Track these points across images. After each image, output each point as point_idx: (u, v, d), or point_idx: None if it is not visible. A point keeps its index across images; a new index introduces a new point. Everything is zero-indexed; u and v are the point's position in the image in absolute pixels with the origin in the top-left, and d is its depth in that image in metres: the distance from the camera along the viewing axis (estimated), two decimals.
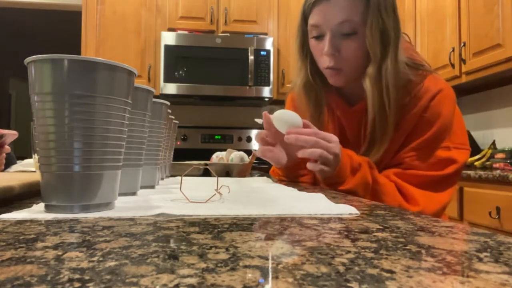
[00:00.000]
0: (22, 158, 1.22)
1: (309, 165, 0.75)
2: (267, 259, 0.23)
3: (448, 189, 0.81)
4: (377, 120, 0.81)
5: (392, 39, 0.80)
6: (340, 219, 0.38)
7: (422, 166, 0.80)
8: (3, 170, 0.96)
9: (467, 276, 0.20)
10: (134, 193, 0.55)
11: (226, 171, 1.10)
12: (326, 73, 0.87)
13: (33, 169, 0.96)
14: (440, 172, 0.80)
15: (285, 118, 0.75)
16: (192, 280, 0.19)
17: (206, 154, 1.72)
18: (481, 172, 1.72)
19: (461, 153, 0.81)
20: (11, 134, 0.90)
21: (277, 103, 2.96)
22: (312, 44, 0.87)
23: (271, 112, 0.80)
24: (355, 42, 0.81)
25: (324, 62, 0.84)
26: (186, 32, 2.83)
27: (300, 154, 0.73)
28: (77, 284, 0.18)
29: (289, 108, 1.01)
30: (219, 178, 0.90)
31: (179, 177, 1.01)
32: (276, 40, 2.95)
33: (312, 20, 0.84)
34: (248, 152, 1.19)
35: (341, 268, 0.21)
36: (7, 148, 0.93)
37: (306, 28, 0.88)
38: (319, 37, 0.84)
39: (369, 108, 0.82)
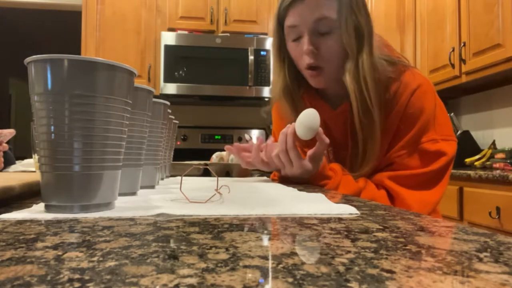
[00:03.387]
0: (22, 158, 1.22)
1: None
2: (267, 259, 0.23)
3: (440, 183, 0.82)
4: (362, 117, 0.82)
5: (366, 34, 0.82)
6: (340, 219, 0.38)
7: (413, 164, 0.81)
8: (2, 170, 0.96)
9: (467, 276, 0.20)
10: (134, 193, 0.55)
11: (226, 171, 1.10)
12: (307, 74, 0.87)
13: (33, 169, 0.96)
14: (432, 167, 0.81)
15: (308, 120, 0.77)
16: (192, 280, 0.19)
17: (206, 154, 1.72)
18: (481, 172, 1.72)
19: (449, 145, 0.82)
20: (8, 132, 0.90)
21: None
22: (291, 47, 0.88)
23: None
24: (332, 39, 0.83)
25: (304, 61, 0.84)
26: (186, 32, 2.83)
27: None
28: (77, 284, 0.18)
29: (275, 118, 1.04)
30: (219, 178, 0.90)
31: (179, 177, 1.01)
32: None
33: (288, 22, 0.85)
34: None
35: (341, 268, 0.21)
36: (5, 146, 0.93)
37: (282, 32, 0.89)
38: (297, 39, 0.85)
39: (353, 104, 0.83)
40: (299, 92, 0.93)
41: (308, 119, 0.76)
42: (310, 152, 0.79)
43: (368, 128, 0.83)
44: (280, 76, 0.93)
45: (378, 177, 0.84)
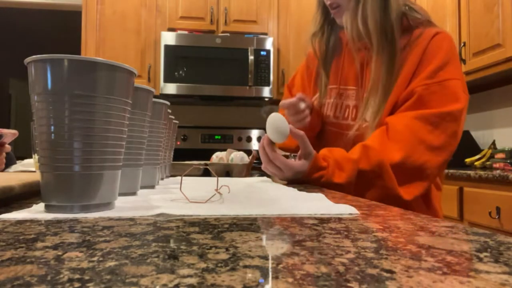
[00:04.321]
0: (22, 158, 1.22)
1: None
2: (267, 259, 0.23)
3: (449, 131, 0.81)
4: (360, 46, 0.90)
5: None
6: (340, 219, 0.38)
7: (434, 99, 0.81)
8: (3, 170, 0.96)
9: (467, 276, 0.20)
10: (134, 193, 0.55)
11: (226, 171, 1.10)
12: (332, 13, 0.97)
13: (33, 169, 0.96)
14: (448, 107, 0.80)
15: (275, 126, 0.79)
16: (192, 280, 0.19)
17: (206, 154, 1.72)
18: (481, 172, 1.72)
19: (466, 97, 0.83)
20: (11, 133, 0.90)
21: (277, 103, 2.95)
22: None
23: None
24: None
25: (326, 1, 0.95)
26: (186, 32, 2.83)
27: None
28: (77, 284, 0.18)
29: (302, 67, 1.16)
30: (219, 178, 0.90)
31: (179, 177, 1.01)
32: (276, 40, 2.95)
33: None
34: (248, 152, 1.19)
35: (341, 268, 0.21)
36: (8, 147, 0.93)
37: None
38: None
39: (349, 41, 0.92)
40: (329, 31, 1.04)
41: (275, 123, 0.79)
42: (299, 153, 0.81)
43: (385, 72, 0.86)
44: (316, 20, 1.04)
45: (398, 116, 0.84)
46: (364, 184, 0.79)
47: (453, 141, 0.82)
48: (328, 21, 1.03)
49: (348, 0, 0.92)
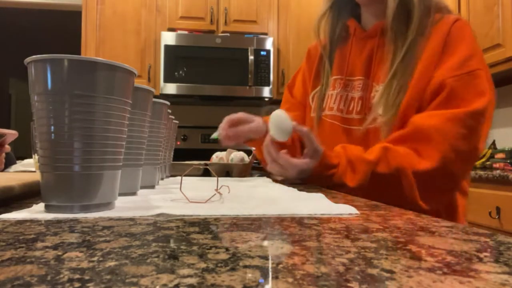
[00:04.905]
0: (22, 158, 1.22)
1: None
2: (267, 259, 0.23)
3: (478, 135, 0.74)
4: (398, 41, 0.81)
5: None
6: (340, 219, 0.38)
7: (467, 92, 0.74)
8: (3, 170, 0.96)
9: (467, 276, 0.20)
10: (134, 193, 0.55)
11: (226, 171, 1.10)
12: None
13: (33, 169, 0.96)
14: (481, 102, 0.73)
15: (277, 123, 0.77)
16: (192, 280, 0.19)
17: (206, 154, 1.72)
18: (481, 172, 1.72)
19: (493, 88, 0.77)
20: (11, 134, 0.90)
21: (277, 103, 2.95)
22: None
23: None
24: None
25: None
26: (186, 32, 2.83)
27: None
28: (77, 284, 0.18)
29: (303, 62, 1.10)
30: (219, 178, 0.90)
31: (179, 177, 1.01)
32: (276, 40, 2.95)
33: None
34: (248, 152, 1.19)
35: (341, 268, 0.21)
36: (7, 148, 0.93)
37: None
38: None
39: (388, 20, 0.82)
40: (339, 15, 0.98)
41: (277, 121, 0.77)
42: (304, 151, 0.77)
43: (402, 58, 0.79)
44: (326, 2, 0.97)
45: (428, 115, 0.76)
46: (378, 190, 0.71)
47: (483, 146, 0.75)
48: (336, 5, 0.96)
49: None
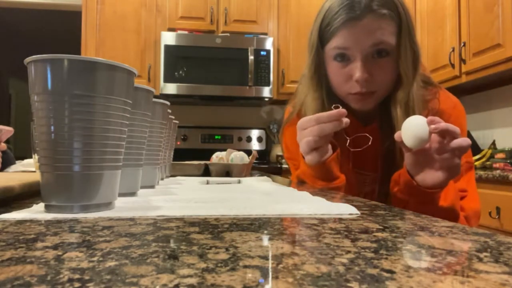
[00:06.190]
0: (22, 158, 1.22)
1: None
2: (267, 259, 0.23)
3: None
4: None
5: (419, 60, 0.78)
6: (340, 219, 0.38)
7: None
8: (2, 170, 0.96)
9: (467, 276, 0.20)
10: (134, 193, 0.55)
11: (226, 171, 1.10)
12: (351, 98, 0.80)
13: (33, 169, 0.96)
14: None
15: (414, 132, 0.64)
16: (192, 280, 0.19)
17: (206, 154, 1.72)
18: (481, 172, 1.72)
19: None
20: (7, 131, 0.90)
21: (277, 103, 2.96)
22: (333, 68, 0.79)
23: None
24: (389, 63, 0.76)
25: (353, 88, 0.77)
26: (186, 32, 2.83)
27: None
28: (77, 284, 0.18)
29: (291, 139, 0.91)
30: (219, 178, 0.90)
31: (179, 177, 1.01)
32: (276, 40, 2.95)
33: (337, 43, 0.76)
34: (248, 152, 1.19)
35: (341, 268, 0.21)
36: (3, 146, 0.92)
37: (322, 53, 0.81)
38: (344, 61, 0.77)
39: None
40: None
41: (419, 128, 0.63)
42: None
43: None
44: (315, 99, 0.83)
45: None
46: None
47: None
48: (326, 90, 0.84)
49: (385, 87, 0.78)
